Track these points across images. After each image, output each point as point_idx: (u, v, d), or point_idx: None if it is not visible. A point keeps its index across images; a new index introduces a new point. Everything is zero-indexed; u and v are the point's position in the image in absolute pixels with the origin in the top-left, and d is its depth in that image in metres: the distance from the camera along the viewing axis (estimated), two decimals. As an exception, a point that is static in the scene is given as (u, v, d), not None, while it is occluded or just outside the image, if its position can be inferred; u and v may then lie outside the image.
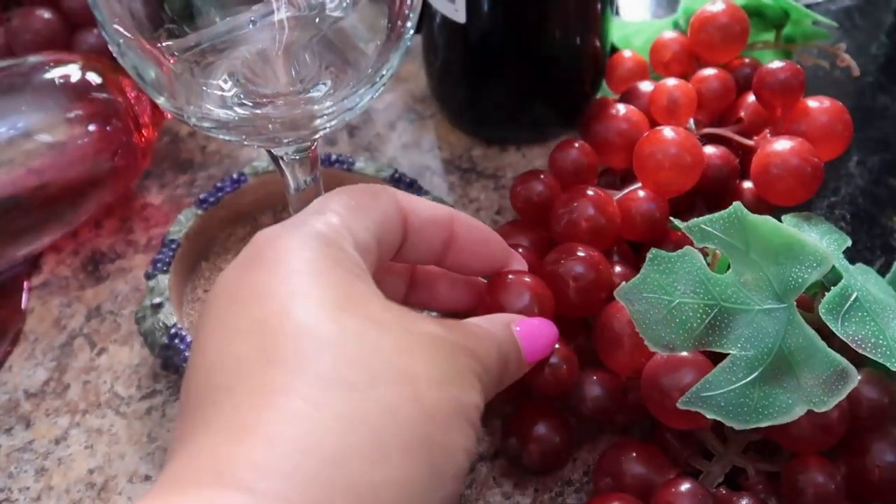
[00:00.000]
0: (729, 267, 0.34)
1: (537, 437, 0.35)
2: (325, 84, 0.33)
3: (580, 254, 0.36)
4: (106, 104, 0.43)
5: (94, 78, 0.44)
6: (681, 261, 0.34)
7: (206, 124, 0.32)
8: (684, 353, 0.32)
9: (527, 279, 0.35)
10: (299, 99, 0.33)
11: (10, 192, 0.42)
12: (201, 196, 0.43)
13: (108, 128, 0.43)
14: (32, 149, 0.42)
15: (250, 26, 0.35)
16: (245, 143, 0.34)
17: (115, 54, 0.32)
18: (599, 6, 0.44)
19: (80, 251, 0.45)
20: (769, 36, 0.48)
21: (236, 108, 0.33)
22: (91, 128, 0.43)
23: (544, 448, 0.35)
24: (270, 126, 0.32)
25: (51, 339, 0.41)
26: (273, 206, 0.45)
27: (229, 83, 0.33)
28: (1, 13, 0.50)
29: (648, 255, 0.34)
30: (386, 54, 0.33)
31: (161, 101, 0.32)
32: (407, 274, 0.35)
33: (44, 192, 0.42)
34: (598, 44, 0.46)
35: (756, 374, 0.32)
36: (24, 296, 0.43)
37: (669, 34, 0.46)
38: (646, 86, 0.45)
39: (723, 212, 0.34)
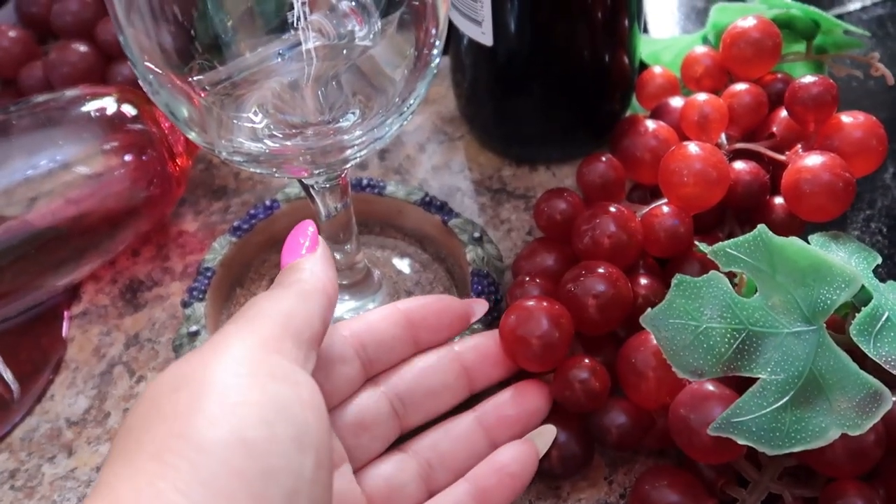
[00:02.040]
0: (756, 290, 0.33)
1: (558, 443, 0.36)
2: (353, 113, 0.34)
3: (599, 271, 0.36)
4: (141, 135, 0.44)
5: (129, 110, 0.45)
6: (707, 285, 0.33)
7: (237, 158, 0.33)
8: (711, 388, 0.32)
9: (545, 304, 0.35)
10: (328, 129, 0.34)
11: (49, 222, 0.42)
12: (235, 223, 0.44)
13: (143, 158, 0.44)
14: (70, 180, 0.43)
15: (279, 59, 0.35)
16: (276, 175, 0.35)
17: (147, 92, 0.33)
18: (627, 23, 0.44)
19: (119, 279, 0.46)
20: (800, 47, 0.47)
21: (266, 141, 0.33)
22: (127, 158, 0.44)
23: (564, 454, 0.35)
24: (301, 158, 0.32)
25: (91, 368, 0.42)
26: (306, 231, 0.46)
27: (259, 115, 0.33)
28: (38, 47, 0.51)
29: (674, 281, 0.33)
30: (413, 83, 0.33)
31: (192, 135, 0.33)
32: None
33: (82, 223, 0.43)
34: (626, 61, 0.46)
35: (787, 398, 0.31)
36: (65, 325, 0.44)
37: (700, 49, 0.45)
38: (676, 101, 0.44)
39: (747, 235, 0.34)
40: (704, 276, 0.33)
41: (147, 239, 0.47)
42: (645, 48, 0.50)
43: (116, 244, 0.44)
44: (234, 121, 0.34)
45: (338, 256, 0.39)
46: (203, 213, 0.48)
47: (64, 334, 0.44)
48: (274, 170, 0.33)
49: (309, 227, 0.34)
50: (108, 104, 0.44)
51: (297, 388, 0.27)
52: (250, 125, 0.33)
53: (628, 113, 0.48)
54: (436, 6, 0.32)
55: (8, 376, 0.42)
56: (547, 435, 0.35)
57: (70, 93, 0.45)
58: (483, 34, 0.43)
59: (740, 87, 0.43)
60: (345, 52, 0.34)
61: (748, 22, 0.44)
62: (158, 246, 0.47)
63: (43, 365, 0.43)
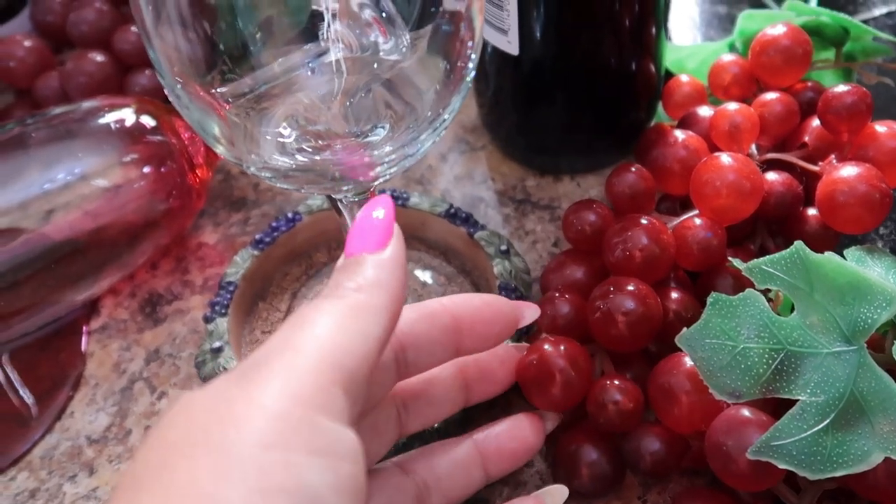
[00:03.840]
0: (793, 308, 0.32)
1: (589, 462, 0.35)
2: (382, 128, 0.33)
3: (629, 288, 0.36)
4: (160, 146, 0.44)
5: (148, 121, 0.44)
6: (743, 304, 0.32)
7: (265, 174, 0.32)
8: (747, 413, 0.31)
9: (563, 347, 0.35)
10: (357, 143, 0.33)
11: (67, 236, 0.42)
12: (257, 237, 0.43)
13: (162, 170, 0.43)
14: (89, 193, 0.42)
15: (307, 71, 0.35)
16: (304, 191, 0.34)
17: (176, 107, 0.32)
18: (654, 30, 0.43)
19: (138, 293, 0.45)
20: (829, 55, 0.46)
21: (296, 156, 0.33)
22: (146, 170, 0.43)
23: (595, 473, 0.35)
24: (330, 175, 0.32)
25: (111, 384, 0.42)
26: (327, 243, 0.45)
27: (289, 129, 0.33)
28: (53, 57, 0.50)
29: (709, 300, 0.33)
30: (447, 97, 0.32)
31: (221, 150, 0.32)
32: (461, 377, 0.34)
33: (101, 236, 0.43)
34: (653, 69, 0.45)
35: (828, 420, 0.31)
36: (84, 339, 0.44)
37: (728, 57, 0.45)
38: (705, 111, 0.44)
39: (784, 252, 0.33)
40: (741, 294, 0.33)
41: (166, 251, 0.46)
42: (669, 55, 0.49)
43: (136, 258, 0.44)
44: (265, 135, 0.33)
45: None
46: (222, 224, 0.48)
47: (83, 349, 0.43)
48: (303, 185, 0.33)
49: (383, 206, 0.28)
50: (127, 115, 0.44)
51: (337, 469, 0.22)
52: (280, 140, 0.33)
53: (654, 122, 0.48)
54: (472, 18, 0.31)
55: (25, 393, 0.42)
56: (558, 497, 0.34)
57: (87, 104, 0.44)
58: (509, 43, 0.42)
59: (771, 96, 0.42)
60: (375, 66, 0.33)
61: (778, 30, 0.43)
62: (178, 259, 0.46)
63: (62, 381, 0.42)
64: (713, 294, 0.33)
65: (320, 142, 0.33)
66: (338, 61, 0.33)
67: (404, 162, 0.32)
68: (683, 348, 0.32)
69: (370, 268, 0.26)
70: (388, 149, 0.31)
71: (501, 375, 0.35)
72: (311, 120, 0.34)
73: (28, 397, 0.42)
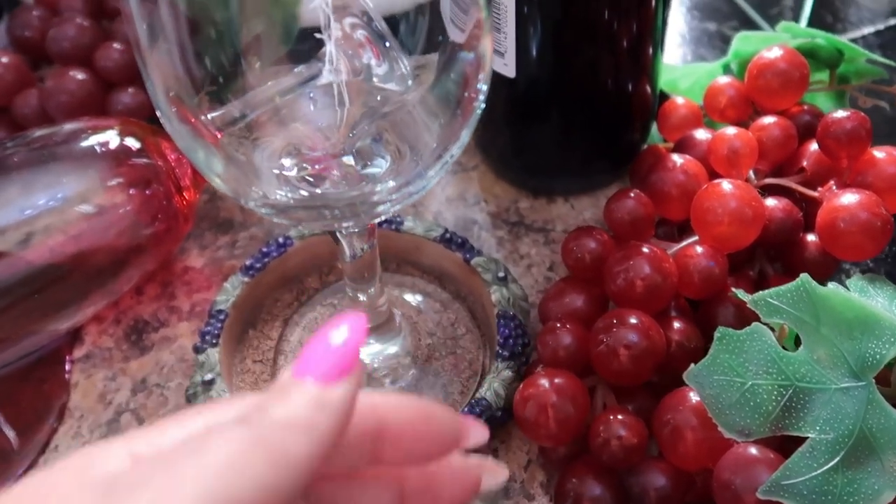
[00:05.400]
0: (797, 341, 0.32)
1: (593, 497, 0.34)
2: (384, 158, 0.32)
3: (632, 321, 0.35)
4: (146, 169, 0.42)
5: (132, 143, 0.43)
6: (750, 339, 0.32)
7: (265, 210, 0.31)
8: (755, 451, 0.31)
9: (558, 380, 0.35)
10: (358, 175, 0.32)
11: (49, 260, 0.40)
12: (247, 262, 0.42)
13: (148, 192, 0.42)
14: (72, 218, 0.41)
15: (305, 99, 0.34)
16: (302, 227, 0.33)
17: (171, 134, 0.31)
18: (651, 51, 0.43)
19: (122, 320, 0.44)
20: (823, 76, 0.46)
21: (300, 191, 0.32)
22: (131, 193, 0.42)
23: None
24: (328, 213, 0.31)
25: (97, 416, 0.41)
26: (319, 267, 0.44)
27: (289, 160, 0.32)
28: (32, 74, 0.49)
29: (716, 335, 0.32)
30: (457, 130, 0.31)
31: (217, 182, 0.31)
32: (396, 485, 0.26)
33: (85, 261, 0.41)
34: (649, 90, 0.44)
35: (838, 458, 0.30)
36: (67, 368, 0.42)
37: (724, 79, 0.44)
38: (701, 134, 0.43)
39: (790, 284, 0.33)
40: (747, 329, 0.32)
41: (151, 276, 0.45)
42: (662, 75, 0.49)
43: (121, 284, 0.43)
44: (265, 168, 0.32)
45: (361, 298, 0.37)
46: (209, 247, 0.46)
47: (67, 379, 0.42)
48: (302, 222, 0.32)
49: (350, 329, 0.22)
50: (111, 137, 0.43)
51: None
52: (281, 172, 0.32)
53: (647, 143, 0.47)
54: (481, 50, 0.30)
55: (5, 427, 0.40)
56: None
57: (70, 126, 0.43)
58: (506, 65, 0.42)
59: (768, 120, 0.42)
60: (378, 97, 0.32)
61: (775, 53, 0.43)
62: (163, 284, 0.45)
63: (45, 413, 0.41)
64: (720, 329, 0.32)
65: (317, 166, 0.33)
66: (340, 91, 0.32)
67: (408, 199, 0.31)
68: (692, 385, 0.32)
69: (307, 404, 0.20)
70: (391, 184, 0.30)
71: (449, 494, 0.26)
72: (310, 148, 0.33)
73: (9, 430, 0.40)
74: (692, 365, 0.32)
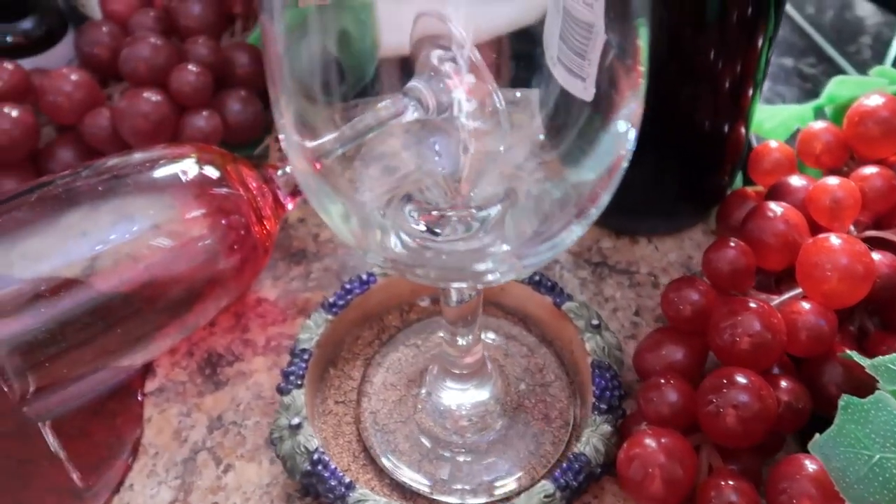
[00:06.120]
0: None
1: None
2: (501, 204, 0.30)
3: (742, 381, 0.34)
4: (226, 199, 0.41)
5: (211, 172, 0.41)
6: (875, 408, 0.31)
7: (386, 264, 0.29)
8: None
9: (664, 440, 0.33)
10: (469, 213, 0.31)
11: (123, 291, 0.39)
12: (330, 300, 0.41)
13: (228, 223, 0.41)
14: (149, 250, 0.39)
15: (428, 150, 0.32)
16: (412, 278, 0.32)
17: (303, 188, 0.29)
18: (751, 92, 0.41)
19: (195, 352, 0.42)
20: (919, 122, 0.45)
21: (413, 238, 0.30)
22: (211, 226, 0.40)
23: None
24: (434, 273, 0.29)
25: (172, 454, 0.39)
26: (399, 305, 0.43)
27: (417, 215, 0.30)
28: (101, 92, 0.47)
29: (841, 403, 0.31)
30: (604, 185, 0.28)
31: (345, 233, 0.29)
32: None
33: (160, 293, 0.40)
34: (743, 132, 0.43)
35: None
36: (140, 402, 0.41)
37: (820, 125, 0.43)
38: (797, 181, 0.42)
39: (915, 349, 0.31)
40: (871, 398, 0.31)
41: (224, 307, 0.44)
42: (750, 115, 0.48)
43: (197, 318, 0.41)
44: (392, 215, 0.31)
45: (461, 342, 0.36)
46: (282, 278, 0.45)
47: (140, 413, 0.41)
48: (415, 277, 0.30)
49: None
50: (189, 166, 0.41)
51: None
52: (408, 225, 0.30)
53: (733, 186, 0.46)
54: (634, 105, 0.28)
55: (73, 466, 0.39)
56: None
57: (146, 154, 0.41)
58: (585, 90, 0.40)
59: (870, 170, 0.41)
60: (501, 148, 0.31)
61: (876, 100, 0.41)
62: (236, 315, 0.44)
63: (119, 449, 0.40)
64: (845, 398, 0.31)
65: (434, 213, 0.31)
66: (464, 139, 0.30)
67: (523, 271, 0.29)
68: (818, 457, 0.30)
69: None
70: (505, 248, 0.29)
71: None
72: (425, 195, 0.32)
73: (73, 472, 0.39)
74: (817, 435, 0.31)
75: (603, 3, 0.25)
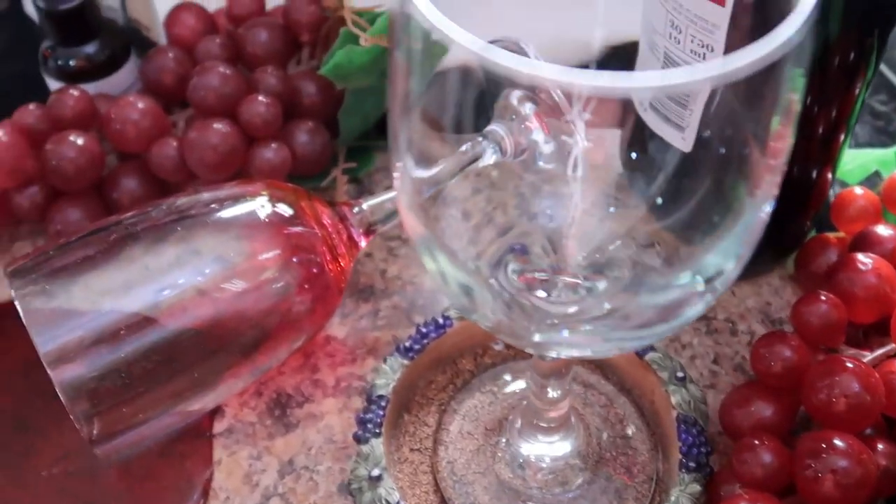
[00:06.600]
0: None
1: None
2: (616, 278, 0.29)
3: (841, 445, 0.33)
4: (301, 238, 0.40)
5: (284, 209, 0.40)
6: None
7: (486, 324, 0.28)
8: None
9: None
10: (574, 282, 0.30)
11: (194, 331, 0.38)
12: (406, 343, 0.40)
13: (302, 263, 0.40)
14: (222, 292, 0.38)
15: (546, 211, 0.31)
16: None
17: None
18: (842, 138, 0.40)
19: (264, 392, 0.42)
20: None
21: (509, 294, 0.29)
22: (286, 266, 0.39)
23: None
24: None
25: (243, 498, 0.38)
26: (473, 349, 0.42)
27: (511, 265, 0.29)
28: (168, 120, 0.46)
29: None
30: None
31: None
32: None
33: (236, 336, 0.39)
34: (830, 178, 0.42)
35: None
36: (210, 444, 0.40)
37: (907, 172, 0.42)
38: (884, 230, 0.41)
39: None
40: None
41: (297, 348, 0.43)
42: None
43: (269, 359, 0.40)
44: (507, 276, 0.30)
45: (552, 394, 0.35)
46: (350, 316, 0.44)
47: (210, 455, 0.40)
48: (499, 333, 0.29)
49: None
50: (262, 205, 0.40)
51: None
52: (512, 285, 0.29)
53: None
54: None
55: None
56: None
57: (215, 193, 0.40)
58: (683, 139, 0.39)
59: (963, 224, 0.39)
60: (612, 209, 0.30)
61: (968, 150, 0.40)
62: (305, 354, 0.43)
63: (189, 491, 0.39)
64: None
65: (537, 274, 0.30)
66: (575, 200, 0.29)
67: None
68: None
69: None
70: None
71: None
72: (527, 253, 0.31)
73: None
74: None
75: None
